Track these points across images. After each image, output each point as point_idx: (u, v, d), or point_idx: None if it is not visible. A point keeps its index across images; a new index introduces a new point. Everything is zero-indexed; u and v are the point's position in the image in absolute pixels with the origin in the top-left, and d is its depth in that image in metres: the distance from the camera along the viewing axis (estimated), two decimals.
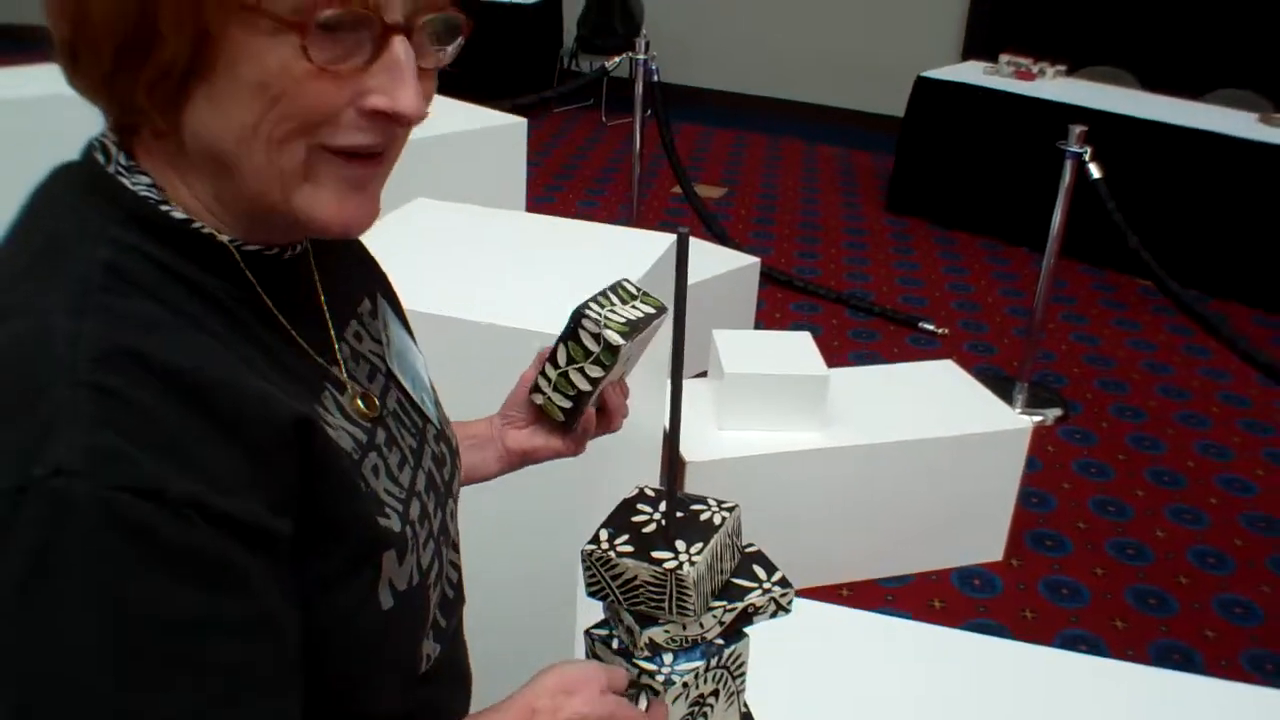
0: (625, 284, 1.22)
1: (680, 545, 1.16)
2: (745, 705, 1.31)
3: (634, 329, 1.16)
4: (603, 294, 1.19)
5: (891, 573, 3.38)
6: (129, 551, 0.64)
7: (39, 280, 0.70)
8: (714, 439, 3.05)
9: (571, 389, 1.18)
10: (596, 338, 1.14)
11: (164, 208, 0.76)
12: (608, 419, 1.26)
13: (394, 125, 0.77)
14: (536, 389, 1.20)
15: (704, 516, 1.20)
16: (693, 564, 1.13)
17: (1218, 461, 4.17)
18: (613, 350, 1.14)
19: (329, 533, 0.76)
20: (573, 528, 1.97)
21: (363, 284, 0.99)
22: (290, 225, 0.78)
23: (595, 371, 1.16)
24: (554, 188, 6.80)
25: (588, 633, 1.25)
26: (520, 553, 2.02)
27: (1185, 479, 4.05)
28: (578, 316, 1.15)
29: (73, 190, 0.77)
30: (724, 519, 1.20)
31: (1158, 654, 3.16)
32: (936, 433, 3.20)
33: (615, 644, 1.22)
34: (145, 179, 0.77)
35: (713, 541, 1.17)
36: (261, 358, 0.76)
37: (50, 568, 0.62)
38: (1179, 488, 3.99)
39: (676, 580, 1.13)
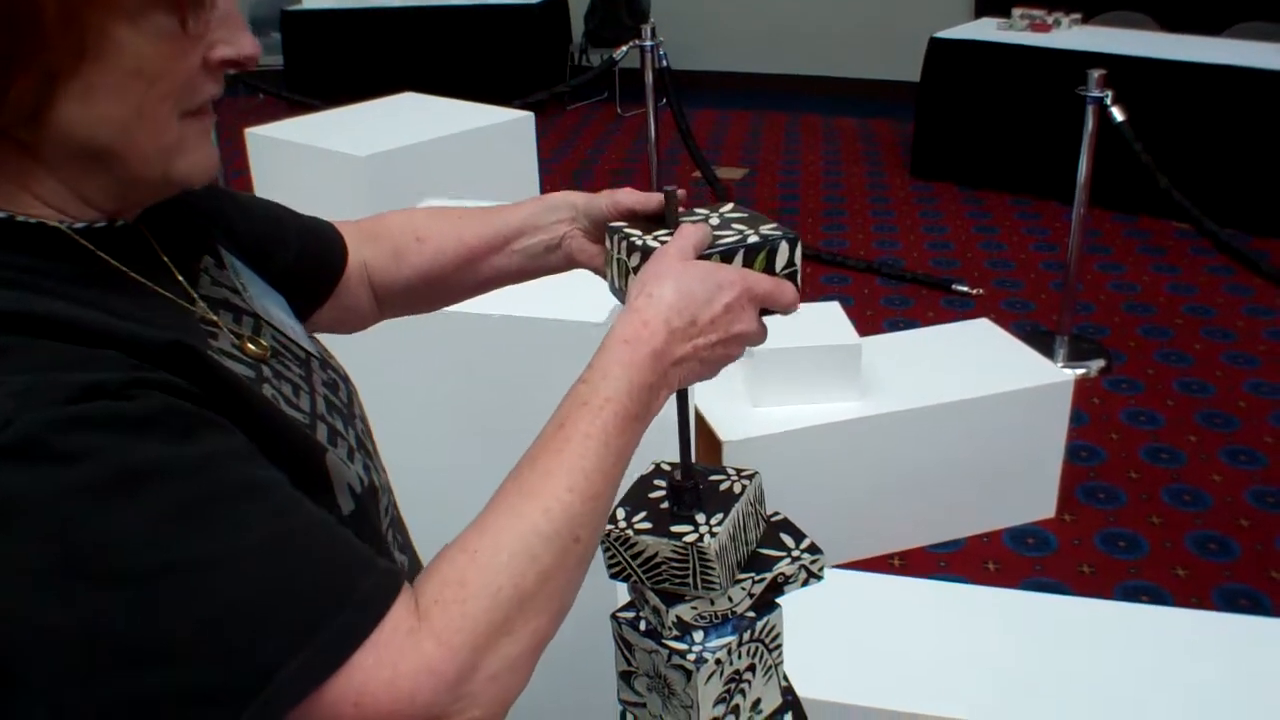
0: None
1: (700, 518, 1.11)
2: (786, 678, 1.26)
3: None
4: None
5: (942, 539, 3.31)
6: (112, 435, 0.65)
7: None
8: (749, 417, 3.00)
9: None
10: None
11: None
12: None
13: (237, 69, 0.79)
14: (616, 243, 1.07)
15: (723, 486, 1.16)
16: (714, 535, 1.08)
17: (1270, 399, 4.07)
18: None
19: (266, 444, 0.75)
20: None
21: (204, 236, 0.96)
22: (154, 196, 0.81)
23: None
24: (573, 185, 6.76)
25: (614, 617, 1.20)
26: None
27: (1238, 420, 3.95)
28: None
29: None
30: (744, 487, 1.16)
31: (1223, 600, 3.08)
32: (977, 392, 3.13)
33: (642, 625, 1.17)
34: None
35: (733, 511, 1.12)
36: (130, 312, 0.75)
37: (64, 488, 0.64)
38: (1232, 429, 3.89)
39: (699, 553, 1.08)
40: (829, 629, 2.38)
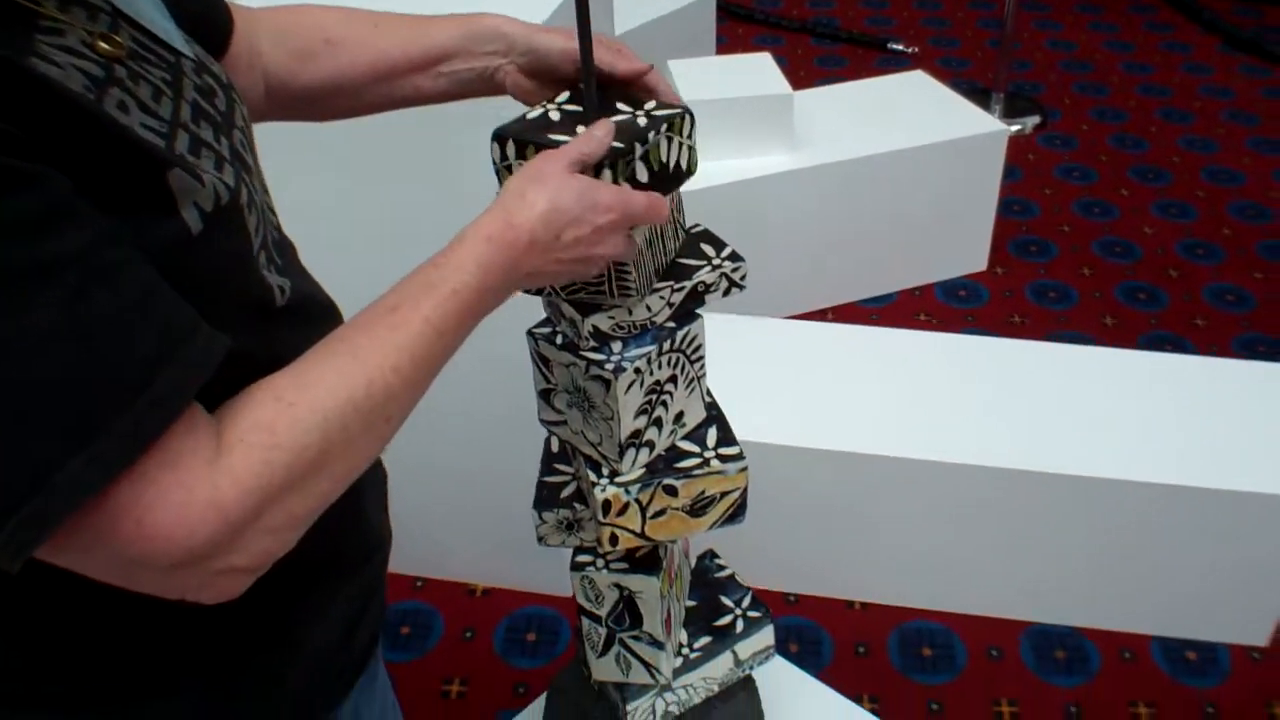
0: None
1: None
2: (709, 394, 1.22)
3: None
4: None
5: (874, 292, 3.30)
6: None
7: None
8: None
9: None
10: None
11: None
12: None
13: None
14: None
15: None
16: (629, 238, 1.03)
17: (1203, 154, 4.05)
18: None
19: (95, 159, 0.68)
20: None
21: None
22: None
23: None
24: None
25: (530, 333, 1.16)
26: None
27: (1170, 174, 3.94)
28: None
29: None
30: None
31: (1149, 345, 3.11)
32: (911, 143, 3.07)
33: (559, 340, 1.13)
34: None
35: None
36: None
37: None
38: (1164, 183, 3.88)
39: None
40: (765, 375, 2.38)
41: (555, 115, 1.01)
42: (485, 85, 1.11)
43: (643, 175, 0.97)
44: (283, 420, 0.72)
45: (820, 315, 3.24)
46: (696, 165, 1.04)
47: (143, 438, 0.65)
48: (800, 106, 3.05)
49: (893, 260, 3.26)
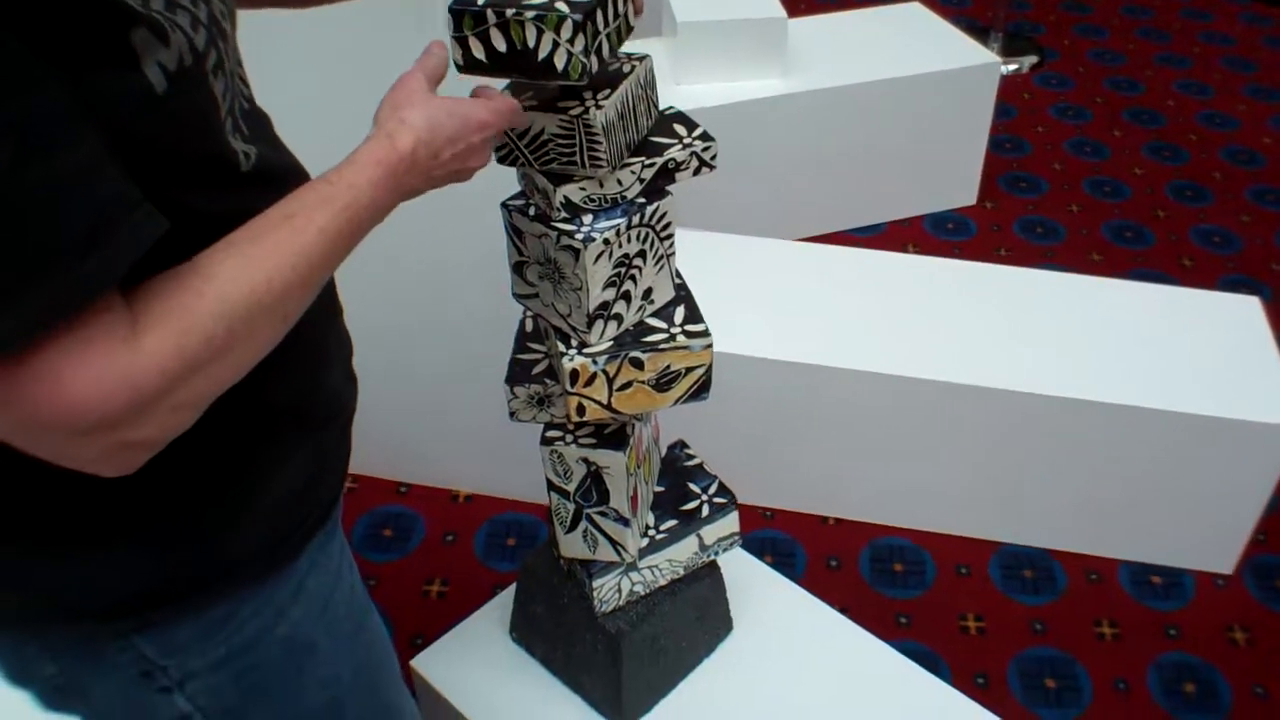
0: None
1: (587, 95, 1.08)
2: (679, 275, 1.26)
3: None
4: None
5: (863, 222, 3.32)
6: None
7: None
8: (671, 94, 2.93)
9: None
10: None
11: None
12: None
13: None
14: None
15: (612, 67, 1.12)
16: (600, 108, 1.05)
17: (1198, 99, 4.06)
18: None
19: (58, 14, 0.70)
20: None
21: None
22: None
23: None
24: None
25: (504, 205, 1.19)
26: None
27: (1164, 117, 3.94)
28: None
29: None
30: (634, 68, 1.12)
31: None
32: (903, 72, 3.08)
33: (532, 211, 1.16)
34: None
35: (621, 88, 1.09)
36: None
37: None
38: (1158, 126, 3.89)
39: (584, 126, 1.06)
40: (745, 291, 2.41)
41: None
42: None
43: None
44: (194, 307, 0.77)
45: (808, 242, 3.26)
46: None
47: (63, 309, 0.69)
48: (795, 33, 3.06)
49: (882, 191, 3.28)
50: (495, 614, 1.75)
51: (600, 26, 1.00)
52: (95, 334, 0.72)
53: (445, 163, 0.98)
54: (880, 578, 2.33)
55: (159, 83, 0.77)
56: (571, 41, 1.00)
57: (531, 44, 1.01)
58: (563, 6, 1.00)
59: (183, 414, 0.79)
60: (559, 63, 1.01)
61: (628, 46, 1.12)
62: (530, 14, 1.00)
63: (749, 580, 1.78)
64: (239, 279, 0.80)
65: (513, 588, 1.68)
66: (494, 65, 1.02)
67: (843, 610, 1.89)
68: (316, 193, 0.88)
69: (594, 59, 1.00)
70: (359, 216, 0.90)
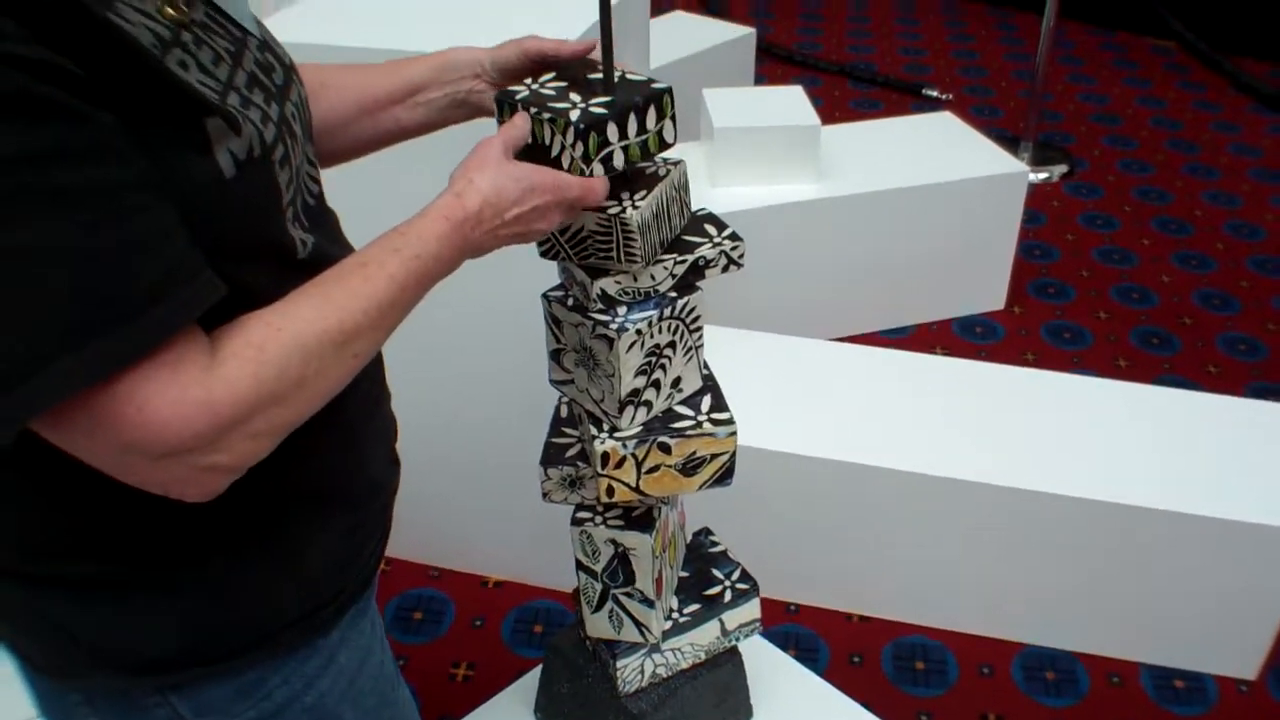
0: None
1: (625, 195, 1.15)
2: (706, 365, 1.32)
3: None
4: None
5: (892, 325, 3.38)
6: None
7: None
8: (706, 196, 3.03)
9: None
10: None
11: None
12: None
13: None
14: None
15: (649, 170, 1.20)
16: (636, 208, 1.13)
17: (1226, 209, 4.12)
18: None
19: (142, 99, 0.78)
20: None
21: None
22: None
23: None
24: None
25: (544, 295, 1.26)
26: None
27: (1192, 226, 4.01)
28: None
29: None
30: (669, 171, 1.20)
31: None
32: (933, 179, 3.16)
33: (570, 302, 1.23)
34: None
35: (657, 190, 1.16)
36: None
37: None
38: (1185, 235, 3.95)
39: (621, 224, 1.13)
40: (776, 388, 2.47)
41: (548, 90, 1.13)
42: (459, 109, 1.25)
43: (619, 163, 1.10)
44: (271, 342, 0.84)
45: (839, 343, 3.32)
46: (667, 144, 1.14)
47: (136, 348, 0.77)
48: (828, 139, 3.16)
49: (912, 294, 3.34)
50: (521, 694, 1.79)
51: (612, 138, 1.08)
52: (176, 362, 0.79)
53: (509, 223, 1.04)
54: (902, 675, 2.35)
55: (229, 168, 0.85)
56: (573, 147, 1.07)
57: (546, 141, 1.09)
58: (575, 114, 1.07)
59: (260, 442, 0.85)
60: (565, 163, 1.09)
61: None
62: (547, 115, 1.08)
63: (772, 670, 1.81)
64: (314, 319, 0.88)
65: (538, 670, 1.72)
66: (525, 155, 1.10)
67: (865, 706, 1.91)
68: (388, 243, 0.96)
69: (598, 166, 1.08)
70: (426, 267, 0.97)
